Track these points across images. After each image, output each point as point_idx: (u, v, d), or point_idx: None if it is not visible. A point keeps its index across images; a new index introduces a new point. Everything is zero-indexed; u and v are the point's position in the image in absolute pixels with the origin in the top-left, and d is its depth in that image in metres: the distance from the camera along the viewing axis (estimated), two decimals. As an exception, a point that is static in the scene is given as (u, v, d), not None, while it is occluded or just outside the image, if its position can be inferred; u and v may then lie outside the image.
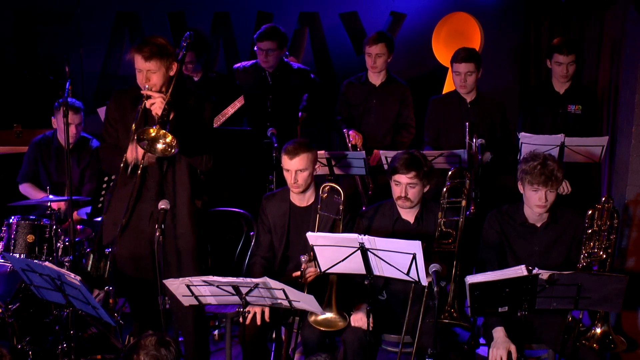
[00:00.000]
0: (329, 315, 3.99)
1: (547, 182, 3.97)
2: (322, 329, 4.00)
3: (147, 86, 4.02)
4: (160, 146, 3.90)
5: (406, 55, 6.47)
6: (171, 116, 3.99)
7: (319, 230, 4.18)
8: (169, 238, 4.19)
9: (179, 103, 4.08)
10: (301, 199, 4.40)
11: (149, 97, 3.99)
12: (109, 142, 4.23)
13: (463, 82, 5.33)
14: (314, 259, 3.85)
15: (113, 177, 4.61)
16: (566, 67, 5.33)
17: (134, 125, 4.00)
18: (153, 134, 3.89)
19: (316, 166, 4.36)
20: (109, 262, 5.13)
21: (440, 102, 5.53)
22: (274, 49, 5.70)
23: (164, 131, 3.88)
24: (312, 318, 3.98)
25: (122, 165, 4.08)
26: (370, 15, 6.63)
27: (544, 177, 3.96)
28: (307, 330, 4.11)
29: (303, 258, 4.11)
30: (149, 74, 4.04)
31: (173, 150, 3.91)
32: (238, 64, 6.01)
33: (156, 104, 3.97)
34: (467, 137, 5.25)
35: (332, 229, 4.23)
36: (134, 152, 4.06)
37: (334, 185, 4.26)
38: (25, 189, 5.63)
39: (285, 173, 4.33)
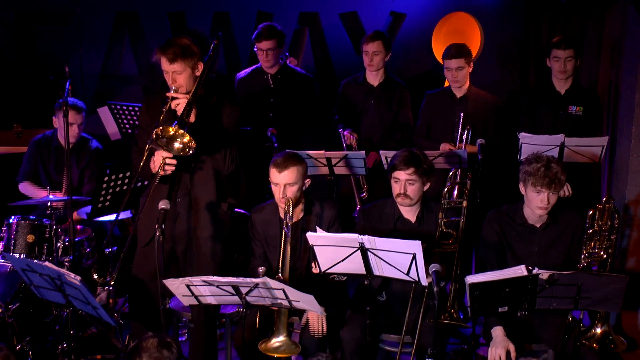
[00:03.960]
0: (280, 339, 3.87)
1: (551, 184, 3.96)
2: (275, 355, 3.87)
3: (174, 87, 4.04)
4: (177, 145, 3.90)
5: (406, 55, 6.47)
6: (192, 118, 3.99)
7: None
8: (191, 241, 4.25)
9: (202, 104, 4.09)
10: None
11: (174, 98, 4.01)
12: (142, 147, 4.19)
13: (455, 77, 5.47)
14: (314, 258, 3.83)
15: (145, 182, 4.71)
16: (564, 63, 5.33)
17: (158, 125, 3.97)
18: (171, 133, 3.89)
19: (306, 181, 4.17)
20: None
21: (433, 96, 5.67)
22: (274, 47, 5.71)
23: (182, 131, 3.88)
24: (262, 346, 3.86)
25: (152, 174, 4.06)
26: (370, 15, 6.63)
27: (547, 179, 3.95)
28: (306, 332, 4.09)
29: (260, 269, 4.02)
30: (175, 75, 4.07)
31: (190, 151, 3.91)
32: (241, 72, 6.00)
33: (180, 105, 3.99)
34: (460, 129, 5.32)
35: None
36: (156, 161, 4.04)
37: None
38: (25, 187, 5.63)
39: (273, 187, 4.15)
